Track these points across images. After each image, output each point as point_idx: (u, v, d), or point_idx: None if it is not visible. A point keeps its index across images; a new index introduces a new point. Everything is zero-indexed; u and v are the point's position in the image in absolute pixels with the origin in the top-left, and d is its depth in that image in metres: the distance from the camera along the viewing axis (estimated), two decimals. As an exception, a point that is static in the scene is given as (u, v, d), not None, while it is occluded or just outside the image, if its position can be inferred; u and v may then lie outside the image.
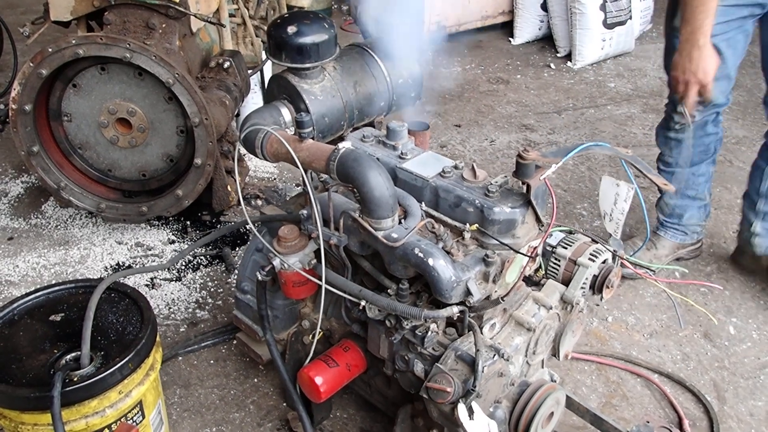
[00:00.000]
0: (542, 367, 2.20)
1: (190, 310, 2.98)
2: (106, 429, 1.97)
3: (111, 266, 3.23)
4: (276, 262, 2.13)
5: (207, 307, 2.99)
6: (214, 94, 3.15)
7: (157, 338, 2.12)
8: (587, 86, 5.26)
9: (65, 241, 3.40)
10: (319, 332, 2.36)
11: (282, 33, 2.21)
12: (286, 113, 2.25)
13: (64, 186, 3.23)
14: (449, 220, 2.02)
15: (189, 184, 3.14)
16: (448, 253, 1.90)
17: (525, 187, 1.90)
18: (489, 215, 1.92)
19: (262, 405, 2.51)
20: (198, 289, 3.09)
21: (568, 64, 5.55)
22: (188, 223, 3.51)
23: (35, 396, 1.82)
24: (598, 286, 2.18)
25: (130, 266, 3.23)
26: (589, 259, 2.16)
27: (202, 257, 3.29)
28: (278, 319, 2.38)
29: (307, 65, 2.21)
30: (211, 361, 2.72)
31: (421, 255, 1.83)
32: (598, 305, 2.93)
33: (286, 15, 2.33)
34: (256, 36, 3.93)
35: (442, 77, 5.28)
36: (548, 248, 2.22)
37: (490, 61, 5.62)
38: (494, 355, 1.87)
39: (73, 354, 1.96)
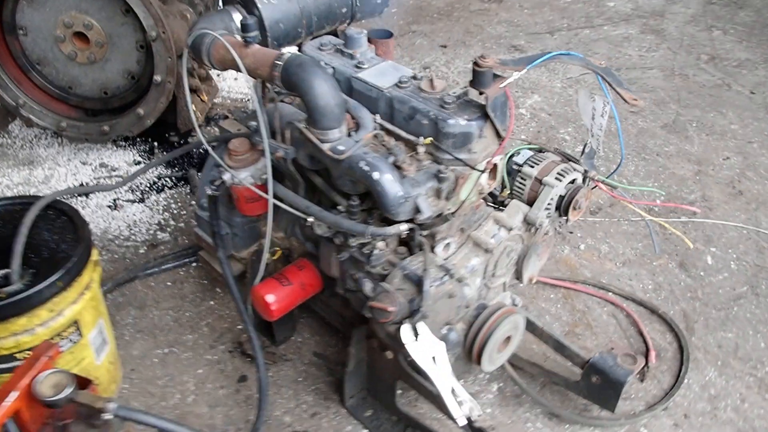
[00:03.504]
0: (504, 290, 2.11)
1: (152, 231, 2.89)
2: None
3: (74, 186, 3.13)
4: (226, 177, 2.03)
5: (169, 229, 2.90)
6: (174, 7, 2.97)
7: (95, 257, 2.04)
8: (585, 5, 5.00)
9: (30, 161, 3.29)
10: (277, 250, 2.27)
11: None
12: (238, 18, 2.09)
13: (23, 103, 3.10)
14: (403, 133, 1.89)
15: (150, 102, 3.00)
16: (399, 168, 1.78)
17: (483, 98, 1.76)
18: (443, 128, 1.79)
19: (216, 327, 2.45)
20: (161, 211, 3.00)
21: (567, -18, 5.28)
22: (155, 144, 3.39)
23: (-39, 311, 1.74)
24: (564, 207, 2.06)
25: (82, 185, 3.13)
26: (556, 178, 2.04)
27: (167, 179, 3.18)
28: (237, 237, 2.28)
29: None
30: (168, 283, 2.66)
31: (366, 168, 1.71)
32: (561, 228, 2.82)
33: None
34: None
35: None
36: (515, 167, 2.09)
37: (484, -20, 5.34)
38: (444, 275, 1.77)
39: (3, 271, 1.88)
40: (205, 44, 1.97)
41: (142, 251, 2.81)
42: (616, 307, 2.54)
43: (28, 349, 1.87)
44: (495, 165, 1.89)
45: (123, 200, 3.06)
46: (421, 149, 1.84)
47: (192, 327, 2.48)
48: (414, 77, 1.95)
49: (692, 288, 2.64)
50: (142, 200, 3.06)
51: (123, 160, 3.29)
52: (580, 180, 2.10)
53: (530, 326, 2.25)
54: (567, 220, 2.09)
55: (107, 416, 1.44)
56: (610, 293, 2.60)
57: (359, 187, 1.82)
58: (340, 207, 1.89)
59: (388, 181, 1.70)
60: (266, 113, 1.91)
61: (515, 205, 2.02)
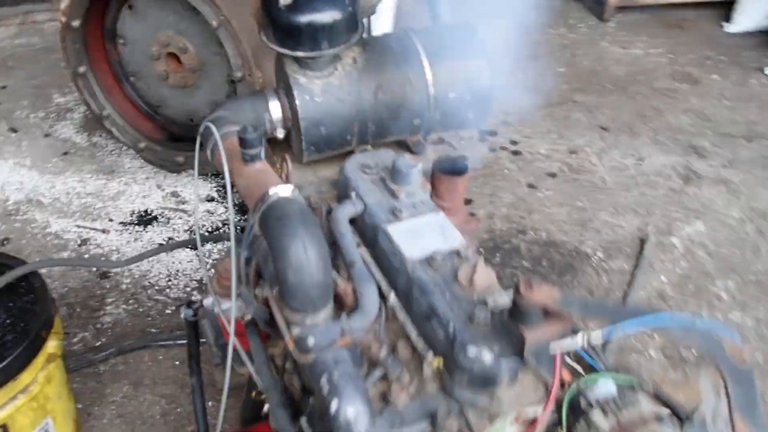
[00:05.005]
0: None
1: (188, 289, 2.58)
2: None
3: (138, 212, 2.90)
4: (206, 302, 1.63)
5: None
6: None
7: (51, 349, 1.76)
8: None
9: (111, 170, 3.12)
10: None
11: (273, 3, 1.57)
12: (276, 109, 1.65)
13: (107, 115, 2.91)
14: (413, 334, 1.35)
15: (225, 144, 2.67)
16: (385, 390, 1.26)
17: (518, 337, 1.18)
18: (459, 354, 1.23)
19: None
20: (208, 266, 2.67)
21: (793, 73, 4.24)
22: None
23: None
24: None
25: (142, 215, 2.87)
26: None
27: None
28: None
29: (305, 54, 1.56)
30: (177, 363, 2.32)
31: (325, 389, 1.21)
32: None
33: None
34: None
35: (609, 59, 4.26)
36: (583, 404, 1.44)
37: (684, 49, 4.44)
38: None
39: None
40: (210, 140, 1.55)
41: (168, 312, 2.50)
42: None
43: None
44: (535, 420, 1.29)
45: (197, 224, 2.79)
46: (427, 369, 1.29)
47: (177, 430, 2.12)
48: (458, 253, 1.39)
49: None
50: (194, 246, 2.76)
51: (195, 193, 3.01)
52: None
53: None
54: None
55: None
56: None
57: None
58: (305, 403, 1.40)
59: (348, 416, 1.18)
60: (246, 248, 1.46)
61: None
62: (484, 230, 2.96)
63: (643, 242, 2.93)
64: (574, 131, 3.59)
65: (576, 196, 3.16)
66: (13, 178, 3.01)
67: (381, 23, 3.23)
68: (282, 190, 1.33)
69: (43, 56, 3.75)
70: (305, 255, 1.24)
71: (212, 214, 2.92)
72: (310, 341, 1.27)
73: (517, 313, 1.16)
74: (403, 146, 1.81)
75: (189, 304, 1.72)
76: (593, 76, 4.10)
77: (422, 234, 1.45)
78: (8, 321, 1.72)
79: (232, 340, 1.41)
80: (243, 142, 1.41)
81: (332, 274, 1.35)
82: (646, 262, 2.82)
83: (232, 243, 1.39)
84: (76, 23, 2.65)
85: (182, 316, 1.71)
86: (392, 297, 1.41)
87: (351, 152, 1.72)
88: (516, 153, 3.43)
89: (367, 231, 1.52)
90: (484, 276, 1.33)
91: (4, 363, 1.61)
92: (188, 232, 2.83)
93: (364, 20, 3.10)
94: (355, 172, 1.60)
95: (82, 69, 2.79)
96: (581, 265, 2.82)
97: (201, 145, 1.62)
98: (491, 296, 1.29)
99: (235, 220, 1.76)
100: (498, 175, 3.28)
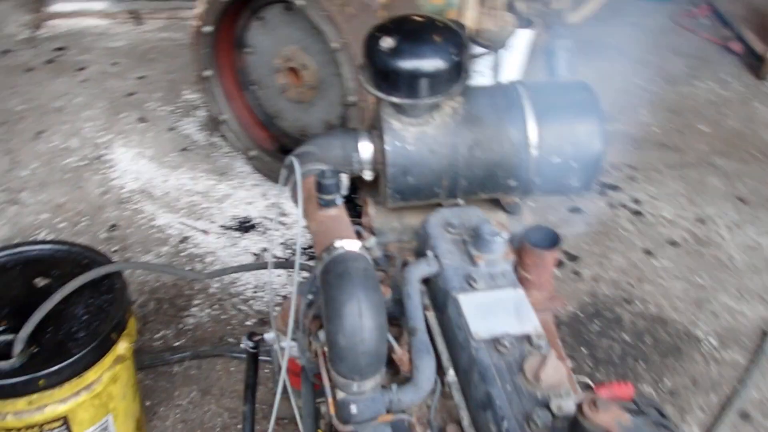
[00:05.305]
0: None
1: (272, 304, 2.57)
2: (14, 431, 1.68)
3: (240, 218, 2.95)
4: (267, 337, 1.59)
5: (283, 312, 2.56)
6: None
7: (121, 351, 1.78)
8: None
9: (223, 171, 3.20)
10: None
11: (374, 45, 1.48)
12: (365, 150, 1.58)
13: (224, 120, 2.98)
14: (465, 421, 1.24)
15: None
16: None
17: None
18: (508, 463, 1.10)
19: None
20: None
21: None
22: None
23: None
24: None
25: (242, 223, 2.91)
26: None
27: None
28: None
29: (401, 100, 1.47)
30: (248, 378, 2.31)
31: (356, 470, 1.12)
32: None
33: (395, 18, 1.58)
34: (510, 9, 3.15)
35: (760, 122, 3.86)
36: None
37: None
38: None
39: (8, 337, 1.68)
40: (292, 177, 1.51)
41: (248, 323, 2.51)
42: None
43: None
44: None
45: (271, 253, 2.80)
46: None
47: (234, 445, 2.12)
48: (529, 339, 1.26)
49: None
50: (286, 260, 2.76)
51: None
52: None
53: None
54: None
55: None
56: None
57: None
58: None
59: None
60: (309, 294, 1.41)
61: None
62: (586, 293, 2.76)
63: (765, 335, 2.61)
64: (706, 198, 3.28)
65: (696, 271, 2.87)
66: (132, 167, 3.16)
67: (512, 60, 3.10)
68: (349, 244, 1.26)
69: (182, 52, 3.92)
70: (359, 320, 1.16)
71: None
72: (353, 409, 1.20)
73: (577, 430, 1.02)
74: (497, 204, 1.69)
75: (250, 336, 1.69)
76: (739, 139, 3.73)
77: (495, 310, 1.33)
78: (84, 317, 1.77)
79: (280, 389, 1.35)
80: (320, 187, 1.36)
81: (389, 338, 1.27)
82: (766, 359, 2.52)
83: (294, 290, 1.34)
84: (208, 29, 2.74)
85: (242, 346, 1.69)
86: (451, 374, 1.31)
87: (439, 204, 1.63)
88: (637, 213, 3.18)
89: (439, 294, 1.42)
90: (554, 371, 1.18)
91: (72, 360, 1.65)
92: (283, 245, 2.84)
93: (494, 53, 3.01)
94: (437, 230, 1.50)
95: (207, 73, 2.87)
96: (689, 349, 2.55)
97: (286, 176, 1.59)
98: (557, 398, 1.15)
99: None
100: (612, 234, 3.05)
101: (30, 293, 1.80)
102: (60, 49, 4.03)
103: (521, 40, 3.17)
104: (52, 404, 1.67)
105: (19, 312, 1.73)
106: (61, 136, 3.35)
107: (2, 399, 1.63)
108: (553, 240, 1.50)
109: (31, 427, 1.68)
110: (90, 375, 1.71)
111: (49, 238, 2.78)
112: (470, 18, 2.94)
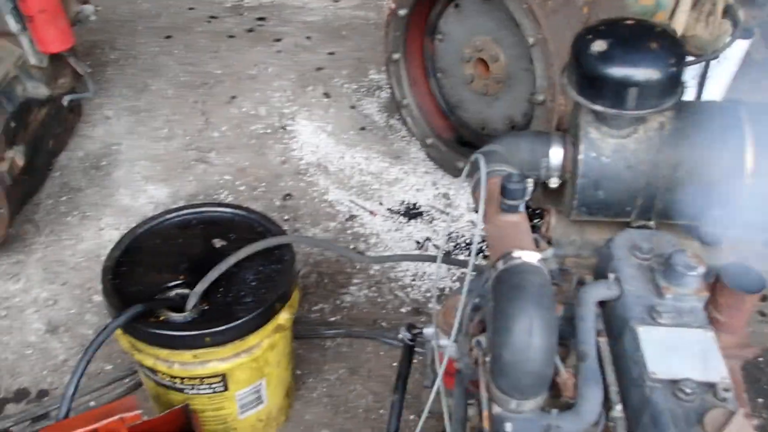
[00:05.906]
0: None
1: (429, 294, 2.56)
2: (178, 379, 1.80)
3: (407, 203, 2.95)
4: (426, 332, 1.57)
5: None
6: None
7: (281, 320, 1.84)
8: None
9: (397, 155, 3.21)
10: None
11: (583, 47, 1.36)
12: (556, 156, 1.48)
13: (406, 104, 2.99)
14: (626, 467, 1.13)
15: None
16: None
17: None
18: None
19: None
20: (453, 278, 2.62)
21: None
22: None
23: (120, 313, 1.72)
24: None
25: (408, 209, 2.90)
26: None
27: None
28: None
29: (604, 109, 1.34)
30: (394, 364, 2.27)
31: (505, 496, 1.06)
32: None
33: (608, 20, 1.43)
34: (725, 17, 2.85)
35: None
36: None
37: None
38: None
39: (183, 291, 1.79)
40: (476, 174, 1.46)
41: (403, 311, 2.51)
42: None
43: (164, 374, 1.80)
44: None
45: (435, 243, 2.77)
46: None
47: (373, 429, 2.13)
48: (714, 389, 1.12)
49: None
50: (448, 254, 2.72)
51: (467, 200, 2.96)
52: None
53: None
54: None
55: None
56: None
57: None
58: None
59: None
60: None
61: None
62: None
63: None
64: None
65: None
66: (312, 140, 3.27)
67: (721, 72, 2.82)
68: (527, 255, 1.18)
69: (373, 32, 3.98)
70: (528, 338, 1.09)
71: (476, 226, 2.86)
72: (507, 427, 1.13)
73: None
74: (691, 232, 1.53)
75: (409, 327, 1.67)
76: None
77: (678, 350, 1.20)
78: (253, 283, 1.84)
79: (435, 390, 1.32)
80: (504, 191, 1.29)
81: (556, 360, 1.19)
82: None
83: (464, 291, 1.29)
84: (403, 12, 2.74)
85: (399, 336, 1.67)
86: (618, 409, 1.19)
87: (627, 223, 1.50)
88: None
89: (615, 321, 1.30)
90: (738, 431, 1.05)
91: (237, 323, 1.73)
92: (448, 236, 2.81)
93: (702, 65, 2.75)
94: (623, 251, 1.37)
95: (396, 56, 2.89)
96: None
97: (469, 173, 1.54)
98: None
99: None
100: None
101: (207, 252, 1.92)
102: (261, 19, 4.24)
103: (736, 51, 2.86)
104: (215, 361, 1.77)
105: (196, 269, 1.85)
106: (251, 102, 3.53)
107: (172, 349, 1.75)
108: (756, 283, 1.33)
109: (194, 378, 1.79)
110: (251, 339, 1.79)
111: (229, 199, 2.94)
112: (681, 22, 2.69)
